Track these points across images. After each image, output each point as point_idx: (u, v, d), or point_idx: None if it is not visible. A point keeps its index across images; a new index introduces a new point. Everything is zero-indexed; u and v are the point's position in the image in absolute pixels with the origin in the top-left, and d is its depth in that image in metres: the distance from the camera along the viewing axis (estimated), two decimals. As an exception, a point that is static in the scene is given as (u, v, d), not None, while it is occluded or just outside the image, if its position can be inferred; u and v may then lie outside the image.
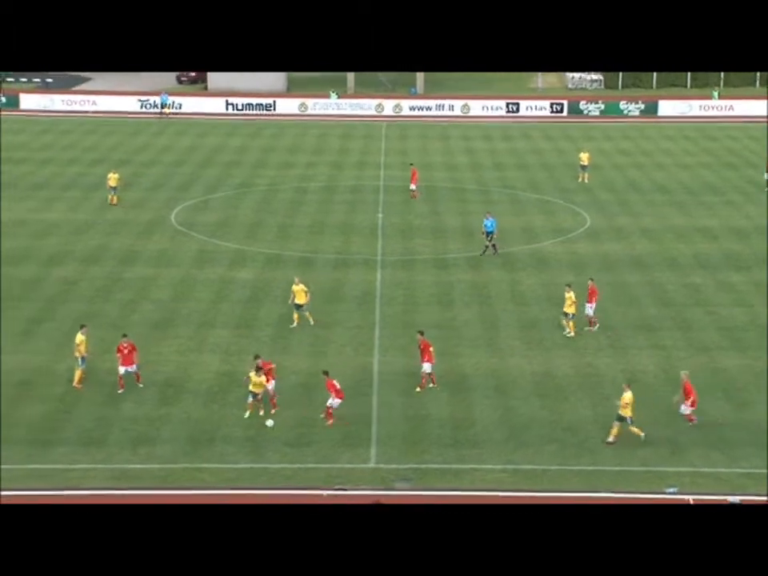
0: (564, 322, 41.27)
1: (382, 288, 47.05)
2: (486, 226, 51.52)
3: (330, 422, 33.89)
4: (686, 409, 34.04)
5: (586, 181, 66.82)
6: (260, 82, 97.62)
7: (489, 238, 51.28)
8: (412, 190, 62.25)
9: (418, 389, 36.48)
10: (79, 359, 36.58)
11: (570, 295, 40.85)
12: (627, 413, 32.85)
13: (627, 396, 32.92)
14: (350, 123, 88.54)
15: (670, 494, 30.14)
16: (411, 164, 65.82)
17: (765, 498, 29.66)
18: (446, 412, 35.08)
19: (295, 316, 42.27)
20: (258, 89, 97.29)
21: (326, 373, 34.70)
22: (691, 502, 29.52)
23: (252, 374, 34.44)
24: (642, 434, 32.76)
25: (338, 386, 34.26)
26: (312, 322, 42.06)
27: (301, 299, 42.21)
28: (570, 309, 41.02)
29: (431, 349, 36.67)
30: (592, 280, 42.46)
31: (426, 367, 36.54)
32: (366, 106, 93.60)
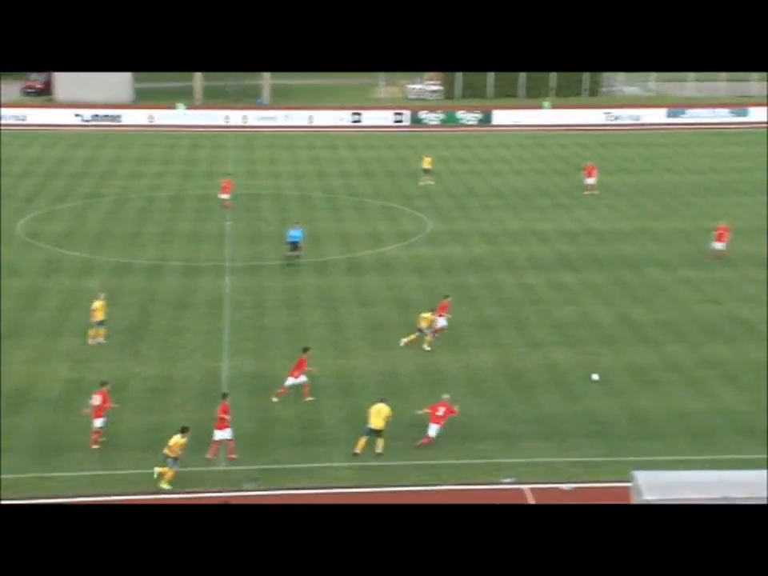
0: (426, 338, 40.06)
1: (231, 294, 46.75)
2: (292, 236, 50.59)
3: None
4: (434, 429, 32.81)
5: (430, 182, 67.76)
6: (107, 94, 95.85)
7: (293, 248, 50.29)
8: (224, 200, 61.51)
9: (309, 398, 35.60)
10: None
11: (427, 316, 40.13)
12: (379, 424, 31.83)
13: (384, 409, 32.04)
14: (198, 134, 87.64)
15: (506, 483, 30.74)
16: (228, 174, 65.26)
17: (597, 485, 30.48)
18: (294, 413, 35.03)
19: (93, 332, 40.16)
20: (106, 100, 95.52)
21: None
22: (522, 488, 30.14)
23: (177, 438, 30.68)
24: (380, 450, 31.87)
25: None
26: (104, 341, 40.14)
27: (100, 316, 39.93)
28: (424, 323, 40.05)
29: (305, 368, 35.71)
30: (446, 297, 42.46)
31: (290, 380, 35.54)
32: (213, 117, 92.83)
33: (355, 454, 31.90)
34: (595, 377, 37.08)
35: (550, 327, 42.88)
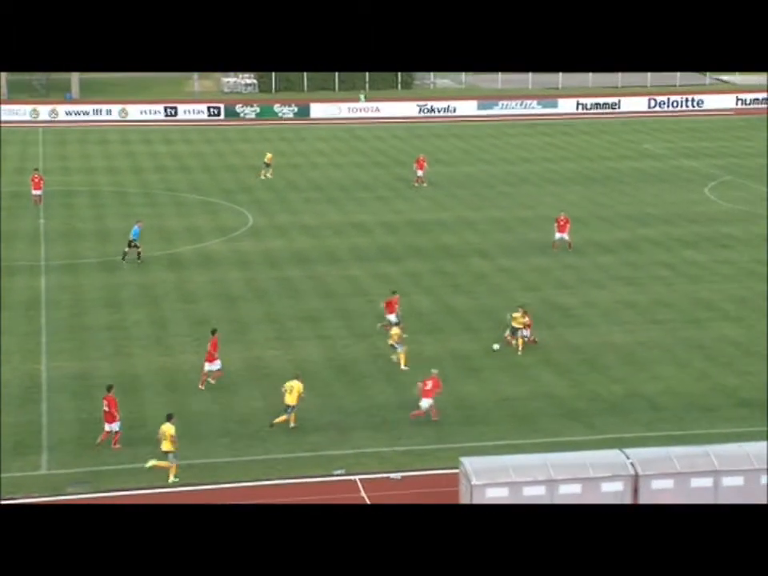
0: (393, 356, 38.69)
1: (48, 293, 45.38)
2: (133, 233, 50.15)
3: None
4: (426, 403, 33.93)
5: (270, 176, 67.75)
6: None
7: (131, 245, 49.85)
8: (35, 196, 59.78)
9: (201, 387, 36.15)
10: None
11: (397, 332, 38.53)
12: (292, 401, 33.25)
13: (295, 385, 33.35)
14: (5, 129, 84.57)
15: (337, 475, 30.84)
16: (36, 169, 63.42)
17: (426, 473, 30.90)
18: (121, 413, 34.23)
19: None
20: None
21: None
22: (354, 479, 30.32)
23: None
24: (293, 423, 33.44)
25: None
26: None
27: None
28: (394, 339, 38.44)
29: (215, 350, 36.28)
30: (394, 293, 42.13)
31: (207, 366, 36.23)
32: (20, 112, 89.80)
33: (272, 425, 33.04)
34: (496, 346, 39.47)
35: (376, 318, 43.18)
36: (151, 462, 30.52)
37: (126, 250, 49.91)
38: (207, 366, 36.23)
